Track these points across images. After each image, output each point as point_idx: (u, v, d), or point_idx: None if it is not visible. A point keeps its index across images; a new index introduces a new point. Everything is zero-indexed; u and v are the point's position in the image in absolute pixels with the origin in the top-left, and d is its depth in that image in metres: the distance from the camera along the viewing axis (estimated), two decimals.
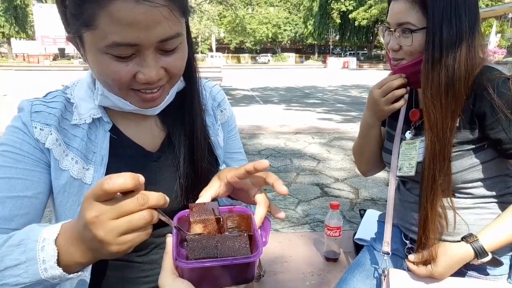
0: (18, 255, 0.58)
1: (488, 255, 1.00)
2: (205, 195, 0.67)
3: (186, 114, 0.88)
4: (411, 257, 1.11)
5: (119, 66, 0.70)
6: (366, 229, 1.67)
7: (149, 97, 0.76)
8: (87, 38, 0.69)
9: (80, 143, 0.81)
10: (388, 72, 1.23)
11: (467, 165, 1.08)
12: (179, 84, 0.87)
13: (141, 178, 0.51)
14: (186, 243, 0.58)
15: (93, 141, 0.82)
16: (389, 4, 1.16)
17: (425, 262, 1.08)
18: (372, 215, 1.79)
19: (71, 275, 0.58)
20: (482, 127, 1.04)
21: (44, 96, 0.85)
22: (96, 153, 0.81)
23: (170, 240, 0.57)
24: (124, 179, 0.48)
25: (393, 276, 1.12)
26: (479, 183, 1.11)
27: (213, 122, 0.98)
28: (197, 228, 0.60)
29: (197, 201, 0.65)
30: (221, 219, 0.63)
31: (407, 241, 1.29)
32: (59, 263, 0.56)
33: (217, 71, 14.62)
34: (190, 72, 0.87)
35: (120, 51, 0.68)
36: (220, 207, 0.65)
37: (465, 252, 1.02)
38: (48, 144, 0.78)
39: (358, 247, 1.64)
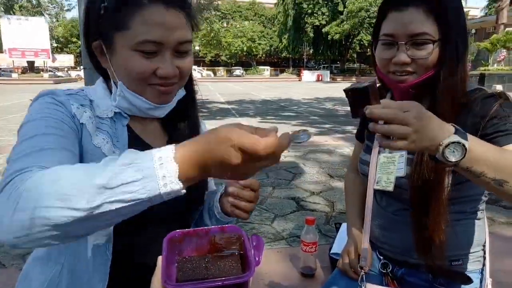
0: (131, 173, 0.59)
1: (467, 140, 0.78)
2: None
3: (190, 117, 1.03)
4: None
5: (144, 61, 0.84)
6: (342, 243, 1.66)
7: (164, 89, 0.89)
8: (118, 39, 0.84)
9: (107, 130, 0.90)
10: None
11: (448, 183, 1.07)
12: (180, 92, 0.98)
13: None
14: (176, 264, 0.58)
15: (115, 132, 0.92)
16: (383, 16, 1.08)
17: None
18: None
19: (184, 190, 0.61)
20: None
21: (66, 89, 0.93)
22: (119, 141, 0.91)
23: (160, 261, 0.57)
24: (271, 147, 0.58)
25: None
26: (455, 201, 1.11)
27: None
28: None
29: None
30: (213, 239, 0.64)
31: (381, 257, 1.29)
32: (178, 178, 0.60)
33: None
34: (190, 84, 1.02)
35: (147, 47, 0.82)
36: (211, 227, 0.66)
37: (445, 122, 0.82)
38: (83, 120, 0.86)
39: (334, 262, 1.63)
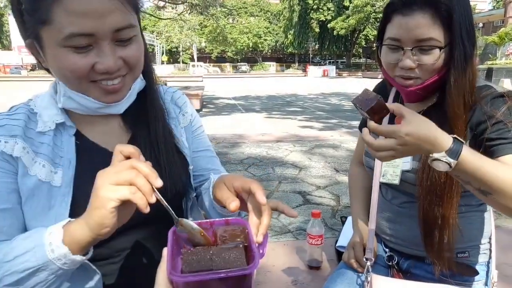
0: (27, 244, 0.65)
1: (455, 160, 0.81)
2: (232, 196, 0.74)
3: (149, 112, 0.91)
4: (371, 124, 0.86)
5: (77, 57, 0.72)
6: (347, 236, 1.67)
7: (111, 88, 0.78)
8: (45, 35, 0.72)
9: (47, 149, 0.82)
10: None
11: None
12: (140, 84, 0.89)
13: (142, 157, 0.66)
14: (181, 256, 0.58)
15: (59, 146, 0.83)
16: (387, 19, 1.06)
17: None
18: None
19: (75, 256, 0.65)
20: (474, 137, 1.02)
21: (7, 111, 0.85)
22: (63, 157, 0.82)
23: (165, 253, 0.58)
24: (132, 147, 0.65)
25: (376, 282, 1.12)
26: (462, 194, 1.10)
27: (176, 125, 1.00)
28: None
29: (232, 204, 0.71)
30: (217, 232, 0.64)
31: (387, 249, 1.30)
32: (64, 242, 0.63)
33: (198, 80, 14.59)
34: (148, 72, 0.91)
35: (77, 41, 0.70)
36: (216, 219, 0.67)
37: (443, 134, 0.82)
38: (16, 153, 0.78)
39: (340, 255, 1.64)
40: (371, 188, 1.28)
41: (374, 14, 41.03)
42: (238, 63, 58.56)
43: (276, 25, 59.26)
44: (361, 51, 58.12)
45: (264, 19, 60.37)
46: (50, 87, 0.88)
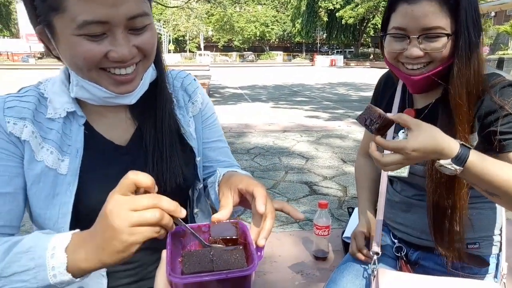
0: (26, 261, 0.61)
1: (461, 167, 0.84)
2: (227, 206, 0.70)
3: (156, 103, 0.89)
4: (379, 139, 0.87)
5: (92, 45, 0.71)
6: (354, 227, 1.67)
7: (124, 79, 0.77)
8: (58, 23, 0.70)
9: (55, 135, 0.81)
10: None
11: None
12: (152, 74, 0.88)
13: (156, 188, 0.60)
14: (181, 258, 0.58)
15: (67, 135, 0.83)
16: (392, 9, 1.04)
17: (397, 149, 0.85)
18: None
19: (77, 279, 0.62)
20: (482, 127, 1.00)
21: (17, 92, 0.84)
22: (71, 145, 0.82)
23: (164, 255, 0.57)
24: (149, 180, 0.58)
25: (383, 276, 1.11)
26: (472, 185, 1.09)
27: (184, 114, 0.97)
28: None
29: (218, 215, 0.67)
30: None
31: (396, 240, 1.29)
32: (67, 269, 0.60)
33: (205, 69, 14.57)
34: (158, 61, 0.90)
35: (91, 29, 0.69)
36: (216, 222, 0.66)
37: (450, 143, 0.84)
38: (24, 136, 0.78)
39: (346, 246, 1.64)
40: (378, 179, 1.26)
41: (383, 2, 40.40)
42: (245, 52, 58.26)
43: (284, 13, 58.73)
44: (369, 41, 57.42)
45: (271, 8, 59.83)
46: (61, 72, 0.86)
